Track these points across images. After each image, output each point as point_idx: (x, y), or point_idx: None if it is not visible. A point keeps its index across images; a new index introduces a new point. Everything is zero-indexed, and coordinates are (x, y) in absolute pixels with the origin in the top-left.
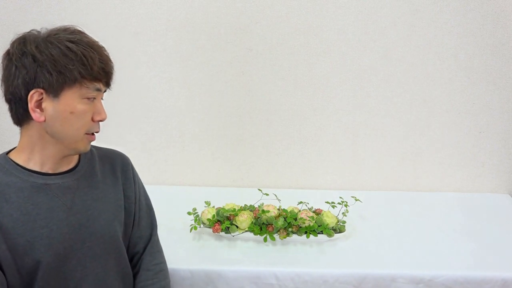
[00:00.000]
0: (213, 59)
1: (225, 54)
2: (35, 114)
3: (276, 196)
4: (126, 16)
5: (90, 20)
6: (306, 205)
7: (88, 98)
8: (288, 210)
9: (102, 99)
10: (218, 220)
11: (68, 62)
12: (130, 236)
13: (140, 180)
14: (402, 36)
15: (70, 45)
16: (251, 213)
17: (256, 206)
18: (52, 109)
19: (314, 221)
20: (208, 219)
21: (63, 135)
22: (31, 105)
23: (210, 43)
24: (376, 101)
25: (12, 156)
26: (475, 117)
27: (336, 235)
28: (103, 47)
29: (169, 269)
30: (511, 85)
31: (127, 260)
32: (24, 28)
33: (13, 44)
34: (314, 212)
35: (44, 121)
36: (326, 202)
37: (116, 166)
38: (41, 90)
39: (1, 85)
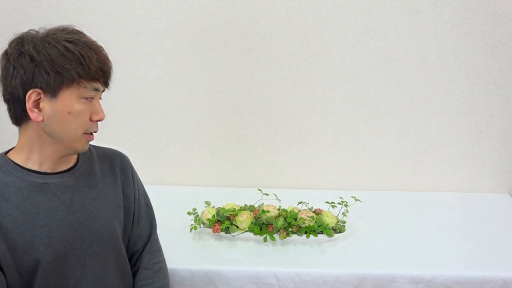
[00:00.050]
0: (213, 59)
1: (225, 54)
2: (33, 114)
3: (276, 196)
4: (126, 16)
5: (90, 20)
6: (306, 205)
7: (86, 98)
8: (288, 210)
9: (100, 98)
10: (218, 220)
11: (66, 62)
12: (130, 235)
13: (139, 179)
14: (402, 36)
15: (67, 45)
16: (251, 213)
17: (256, 206)
18: (50, 109)
19: (314, 221)
20: (208, 219)
21: (61, 135)
22: (29, 105)
23: (210, 43)
24: (376, 101)
25: (11, 156)
26: (475, 117)
27: (336, 235)
28: (101, 46)
29: (169, 269)
30: (511, 85)
31: (126, 259)
32: (24, 28)
33: (11, 44)
34: (314, 212)
35: (42, 121)
36: (326, 202)
37: (115, 165)
38: (39, 90)
39: (0, 85)
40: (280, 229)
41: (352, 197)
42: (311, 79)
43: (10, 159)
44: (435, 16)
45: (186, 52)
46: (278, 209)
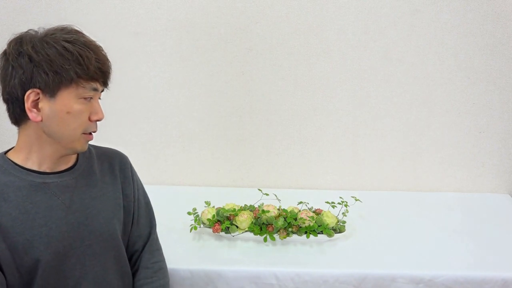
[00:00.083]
0: (213, 59)
1: (225, 54)
2: (31, 114)
3: (276, 196)
4: (126, 16)
5: (90, 20)
6: (306, 205)
7: (85, 98)
8: (288, 210)
9: (99, 98)
10: (218, 220)
11: (64, 62)
12: (129, 235)
13: (139, 178)
14: (402, 36)
15: (66, 45)
16: (251, 213)
17: (256, 206)
18: (48, 109)
19: (314, 221)
20: (208, 219)
21: (60, 135)
22: (27, 105)
23: (210, 43)
24: (376, 101)
25: (10, 155)
26: (475, 117)
27: (336, 235)
28: (100, 46)
29: (169, 269)
30: (511, 85)
31: (126, 258)
32: (24, 28)
33: (9, 44)
34: (314, 212)
35: (41, 121)
36: (326, 202)
37: (114, 165)
38: (38, 90)
39: None
40: (280, 229)
41: (352, 197)
42: (311, 79)
43: (9, 159)
44: (435, 16)
45: (186, 52)
46: (278, 209)
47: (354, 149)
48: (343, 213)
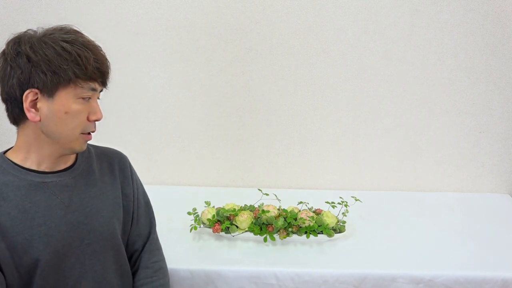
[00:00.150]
0: (213, 59)
1: (225, 54)
2: (30, 114)
3: (276, 196)
4: (126, 16)
5: (90, 20)
6: (306, 205)
7: (83, 98)
8: (288, 210)
9: (98, 98)
10: (218, 220)
11: (62, 62)
12: (129, 234)
13: (138, 178)
14: (402, 36)
15: (64, 45)
16: (251, 213)
17: (256, 206)
18: (47, 109)
19: (314, 221)
20: (208, 219)
21: (58, 135)
22: (26, 105)
23: (210, 43)
24: (376, 101)
25: (9, 155)
26: (475, 117)
27: (336, 235)
28: (99, 46)
29: (169, 269)
30: (511, 85)
31: (126, 258)
32: (23, 28)
33: (8, 44)
34: (314, 212)
35: (40, 121)
36: (326, 202)
37: (114, 164)
38: (36, 90)
39: None
40: (280, 229)
41: (352, 197)
42: (311, 79)
43: (8, 159)
44: (435, 16)
45: (186, 52)
46: (278, 209)
47: (354, 149)
48: (343, 213)
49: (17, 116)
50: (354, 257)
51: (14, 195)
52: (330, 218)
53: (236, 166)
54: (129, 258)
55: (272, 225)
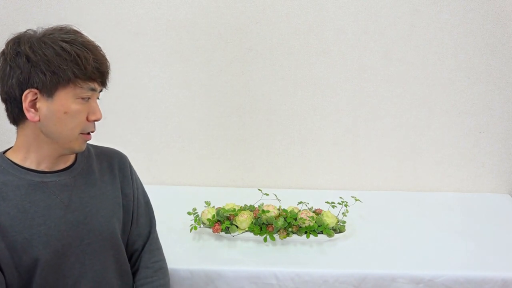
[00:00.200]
0: (213, 59)
1: (225, 54)
2: (29, 114)
3: (276, 196)
4: (126, 16)
5: (90, 20)
6: (306, 205)
7: (83, 98)
8: (288, 210)
9: (98, 98)
10: (218, 220)
11: (62, 62)
12: (129, 234)
13: (138, 178)
14: (402, 36)
15: (64, 45)
16: (251, 213)
17: (256, 206)
18: (46, 109)
19: (314, 221)
20: (208, 219)
21: (58, 135)
22: (25, 105)
23: (210, 43)
24: (376, 101)
25: (8, 155)
26: (475, 117)
27: (336, 235)
28: (99, 46)
29: (169, 269)
30: (511, 85)
31: (125, 257)
32: (23, 28)
33: (8, 44)
34: (314, 212)
35: (39, 121)
36: (326, 202)
37: (113, 164)
38: (35, 90)
39: None
40: (280, 229)
41: (352, 197)
42: (311, 79)
43: (8, 158)
44: (435, 16)
45: (186, 52)
46: (278, 209)
47: (354, 149)
48: (343, 213)
49: (16, 116)
50: (354, 257)
51: (14, 195)
52: (330, 218)
53: (236, 166)
54: (129, 258)
55: (272, 225)
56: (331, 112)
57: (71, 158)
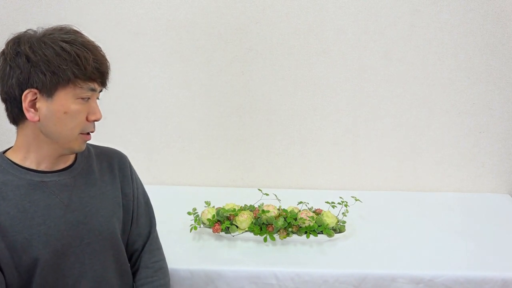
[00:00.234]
0: (213, 59)
1: (225, 54)
2: (29, 114)
3: (276, 196)
4: (126, 16)
5: (90, 20)
6: (306, 205)
7: (83, 98)
8: (288, 210)
9: (98, 98)
10: (218, 220)
11: (62, 62)
12: (129, 234)
13: (138, 177)
14: (402, 36)
15: (64, 45)
16: (251, 213)
17: (256, 206)
18: (46, 109)
19: (314, 221)
20: (208, 219)
21: (57, 135)
22: (25, 105)
23: (210, 43)
24: (376, 101)
25: (8, 155)
26: (475, 117)
27: (336, 235)
28: (98, 46)
29: (169, 269)
30: (511, 85)
31: (125, 257)
32: (24, 28)
33: (7, 44)
34: (314, 212)
35: (39, 121)
36: (326, 202)
37: (113, 164)
38: (35, 90)
39: None
40: (280, 229)
41: (352, 197)
42: (311, 79)
43: (7, 158)
44: (435, 16)
45: (186, 52)
46: (278, 209)
47: (354, 149)
48: (343, 213)
49: (16, 116)
50: (354, 257)
51: (14, 195)
52: (330, 218)
53: (236, 166)
54: (129, 258)
55: (272, 225)
56: (331, 112)
57: (71, 158)
